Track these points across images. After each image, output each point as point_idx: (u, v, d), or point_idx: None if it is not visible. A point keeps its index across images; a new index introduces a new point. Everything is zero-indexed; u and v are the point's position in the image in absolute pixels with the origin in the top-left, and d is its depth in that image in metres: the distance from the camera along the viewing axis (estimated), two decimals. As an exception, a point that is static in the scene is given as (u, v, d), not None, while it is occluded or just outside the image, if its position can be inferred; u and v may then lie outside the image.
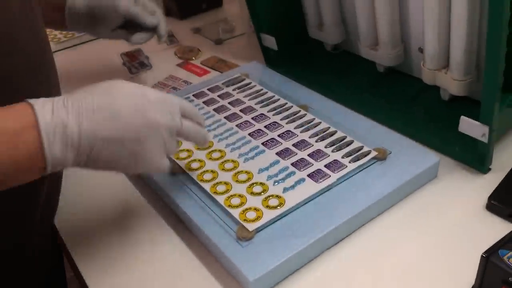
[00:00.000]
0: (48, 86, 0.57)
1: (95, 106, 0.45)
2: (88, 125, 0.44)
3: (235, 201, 0.55)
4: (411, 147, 0.61)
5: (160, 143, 0.48)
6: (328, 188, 0.56)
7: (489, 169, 0.61)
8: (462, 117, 0.58)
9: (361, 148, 0.61)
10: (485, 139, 0.57)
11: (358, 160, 0.59)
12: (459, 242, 0.52)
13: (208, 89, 0.77)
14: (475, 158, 0.61)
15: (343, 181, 0.57)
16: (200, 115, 0.55)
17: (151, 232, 0.57)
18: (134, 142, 0.47)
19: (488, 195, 0.56)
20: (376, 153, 0.60)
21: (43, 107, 0.43)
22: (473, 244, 0.51)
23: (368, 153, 0.60)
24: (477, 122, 0.57)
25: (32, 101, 0.43)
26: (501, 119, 0.56)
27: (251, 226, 0.52)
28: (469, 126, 0.58)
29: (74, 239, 0.58)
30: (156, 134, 0.48)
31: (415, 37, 0.71)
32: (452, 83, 0.64)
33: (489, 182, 0.59)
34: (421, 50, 0.68)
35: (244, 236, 0.51)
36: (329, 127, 0.65)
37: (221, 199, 0.56)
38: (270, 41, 0.83)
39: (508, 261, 0.42)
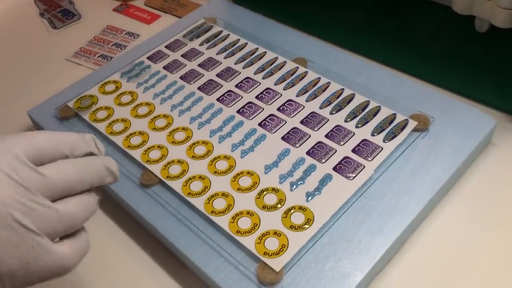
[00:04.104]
0: None
1: None
2: None
3: (245, 222, 0.39)
4: (454, 107, 0.46)
5: (9, 232, 0.27)
6: (367, 185, 0.41)
7: (552, 123, 0.48)
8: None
9: (393, 117, 0.46)
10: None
11: (394, 136, 0.44)
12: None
13: (166, 46, 0.58)
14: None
15: (383, 172, 0.42)
16: (69, 143, 0.32)
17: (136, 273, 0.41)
18: None
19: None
20: (416, 122, 0.45)
21: None
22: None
23: (405, 124, 0.45)
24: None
25: None
26: None
27: (277, 263, 0.37)
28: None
29: None
30: None
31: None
32: (498, 12, 0.49)
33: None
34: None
35: (270, 280, 0.36)
36: (343, 89, 0.49)
37: (223, 221, 0.40)
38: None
39: None
